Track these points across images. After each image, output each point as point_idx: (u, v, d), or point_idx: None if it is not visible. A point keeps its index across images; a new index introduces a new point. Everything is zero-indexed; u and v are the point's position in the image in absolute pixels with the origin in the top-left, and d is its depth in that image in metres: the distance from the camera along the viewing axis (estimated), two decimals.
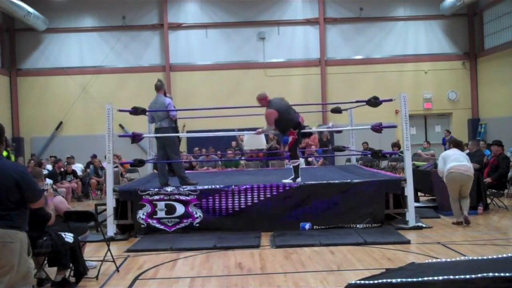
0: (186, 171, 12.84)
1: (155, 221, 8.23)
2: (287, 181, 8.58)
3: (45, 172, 12.96)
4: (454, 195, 8.59)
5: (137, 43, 18.79)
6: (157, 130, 8.86)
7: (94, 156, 15.06)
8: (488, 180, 9.98)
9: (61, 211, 6.05)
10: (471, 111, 19.16)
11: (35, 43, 18.64)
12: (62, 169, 14.25)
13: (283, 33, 18.91)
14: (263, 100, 8.98)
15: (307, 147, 14.47)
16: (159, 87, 8.99)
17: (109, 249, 6.15)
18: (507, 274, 2.92)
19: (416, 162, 12.47)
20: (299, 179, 8.60)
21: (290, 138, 8.72)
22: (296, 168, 8.72)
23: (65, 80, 18.59)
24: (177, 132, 9.30)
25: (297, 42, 18.99)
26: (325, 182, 8.54)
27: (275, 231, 8.02)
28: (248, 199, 8.29)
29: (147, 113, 9.19)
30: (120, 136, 9.48)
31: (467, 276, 3.05)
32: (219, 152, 15.64)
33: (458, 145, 8.93)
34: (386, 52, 19.06)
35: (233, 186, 8.35)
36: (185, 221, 8.23)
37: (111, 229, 8.07)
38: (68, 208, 6.29)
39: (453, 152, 8.73)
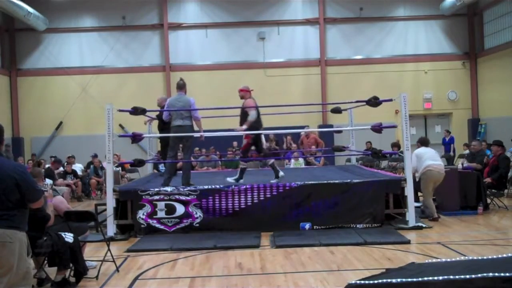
0: None
1: (155, 221, 8.23)
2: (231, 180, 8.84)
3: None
4: (429, 192, 9.03)
5: (137, 43, 18.79)
6: (178, 128, 8.68)
7: (95, 156, 15.07)
8: (488, 180, 9.98)
9: (61, 211, 6.05)
10: (471, 111, 19.16)
11: (35, 43, 18.64)
12: (62, 169, 14.27)
13: (283, 33, 18.91)
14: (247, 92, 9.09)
15: (306, 147, 14.46)
16: (181, 86, 8.94)
17: (109, 249, 6.15)
18: (507, 274, 2.92)
19: None
20: (241, 181, 8.84)
21: (245, 142, 8.96)
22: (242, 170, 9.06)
23: (65, 80, 18.58)
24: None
25: (297, 42, 18.99)
26: (325, 182, 8.55)
27: (275, 231, 8.02)
28: (248, 199, 8.29)
29: (162, 111, 9.12)
30: (120, 136, 9.48)
31: (467, 276, 3.06)
32: (218, 152, 15.63)
33: (427, 143, 9.43)
34: (386, 52, 19.06)
35: (233, 186, 8.36)
36: (185, 221, 8.23)
37: (111, 229, 8.07)
38: (68, 208, 6.29)
39: (427, 150, 9.16)
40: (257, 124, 8.88)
